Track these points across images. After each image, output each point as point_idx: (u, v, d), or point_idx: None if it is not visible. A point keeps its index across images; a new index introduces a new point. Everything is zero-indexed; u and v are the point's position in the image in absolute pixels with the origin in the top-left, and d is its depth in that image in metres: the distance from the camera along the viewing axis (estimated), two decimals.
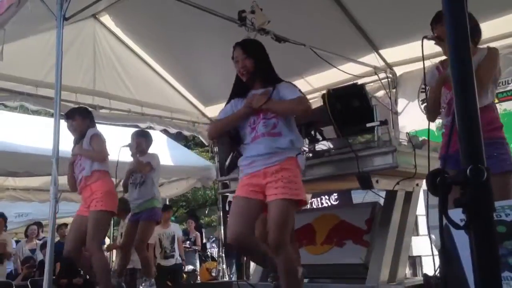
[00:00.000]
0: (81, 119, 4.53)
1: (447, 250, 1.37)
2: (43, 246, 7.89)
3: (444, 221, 1.09)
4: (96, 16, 5.76)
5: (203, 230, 12.91)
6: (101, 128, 6.53)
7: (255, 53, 3.09)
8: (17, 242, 10.25)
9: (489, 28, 4.53)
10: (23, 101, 5.47)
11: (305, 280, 3.52)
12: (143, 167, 5.10)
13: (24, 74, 5.38)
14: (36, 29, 4.86)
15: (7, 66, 4.74)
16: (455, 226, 1.07)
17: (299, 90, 3.04)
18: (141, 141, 5.30)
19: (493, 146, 2.82)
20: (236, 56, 3.08)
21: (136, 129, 5.96)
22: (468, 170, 1.01)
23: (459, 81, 1.06)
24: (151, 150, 5.42)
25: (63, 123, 4.28)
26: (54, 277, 5.06)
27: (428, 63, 3.46)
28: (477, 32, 3.08)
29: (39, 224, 9.38)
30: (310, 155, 3.80)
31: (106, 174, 4.44)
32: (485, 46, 3.16)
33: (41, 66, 5.36)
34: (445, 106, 3.13)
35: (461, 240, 1.26)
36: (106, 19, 5.84)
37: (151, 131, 7.46)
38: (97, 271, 4.35)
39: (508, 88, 4.82)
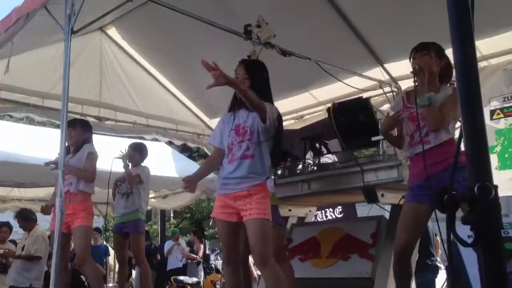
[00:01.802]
0: (82, 131, 4.66)
1: (454, 267, 1.37)
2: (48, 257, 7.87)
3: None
4: (103, 29, 5.79)
5: (207, 242, 13.01)
6: (106, 139, 6.61)
7: (255, 75, 3.19)
8: None
9: (494, 44, 4.55)
10: (30, 112, 5.48)
11: None
12: (132, 179, 5.24)
13: (31, 86, 5.38)
14: (43, 42, 4.88)
15: (14, 78, 4.76)
16: (463, 243, 1.07)
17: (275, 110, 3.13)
18: (134, 154, 5.46)
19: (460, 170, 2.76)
20: (238, 73, 3.19)
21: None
22: (475, 188, 1.01)
23: (467, 102, 1.06)
24: (148, 162, 5.63)
25: None
26: None
27: None
28: (448, 72, 3.02)
29: None
30: (315, 168, 3.81)
31: (89, 197, 4.56)
32: (450, 85, 3.06)
33: (48, 78, 5.37)
34: (407, 137, 3.04)
35: (469, 256, 1.26)
36: (112, 31, 5.88)
37: (156, 143, 7.52)
38: (90, 278, 4.61)
39: None
